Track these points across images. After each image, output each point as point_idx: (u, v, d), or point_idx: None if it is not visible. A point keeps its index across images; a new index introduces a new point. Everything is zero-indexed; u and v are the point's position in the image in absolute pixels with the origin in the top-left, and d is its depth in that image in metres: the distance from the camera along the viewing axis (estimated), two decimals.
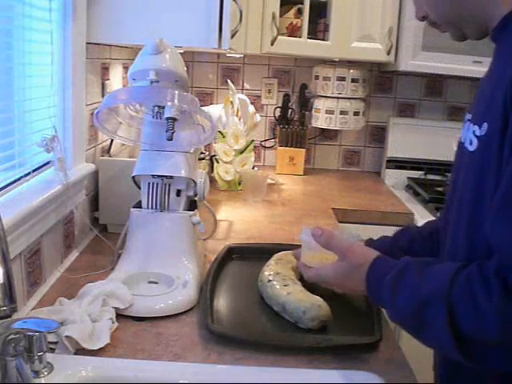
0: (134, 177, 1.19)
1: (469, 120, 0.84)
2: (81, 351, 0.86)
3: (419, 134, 2.39)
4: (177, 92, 1.05)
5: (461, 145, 0.86)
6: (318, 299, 1.00)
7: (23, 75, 1.11)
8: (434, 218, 1.28)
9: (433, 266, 0.76)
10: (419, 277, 0.75)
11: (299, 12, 2.20)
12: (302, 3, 2.09)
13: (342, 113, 2.31)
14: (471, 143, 0.79)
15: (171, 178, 1.17)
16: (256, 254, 1.28)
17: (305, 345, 0.93)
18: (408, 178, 2.36)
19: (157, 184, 1.18)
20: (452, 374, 0.85)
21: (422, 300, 0.72)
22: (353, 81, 2.28)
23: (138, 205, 1.19)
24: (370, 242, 1.10)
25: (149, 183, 1.18)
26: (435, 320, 0.71)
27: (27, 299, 1.04)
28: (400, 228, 1.13)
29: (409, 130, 2.41)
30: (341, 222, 1.83)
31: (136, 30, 1.35)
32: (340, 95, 2.30)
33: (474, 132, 0.78)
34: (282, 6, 2.03)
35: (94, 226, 1.40)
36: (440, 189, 2.16)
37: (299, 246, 1.31)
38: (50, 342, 0.83)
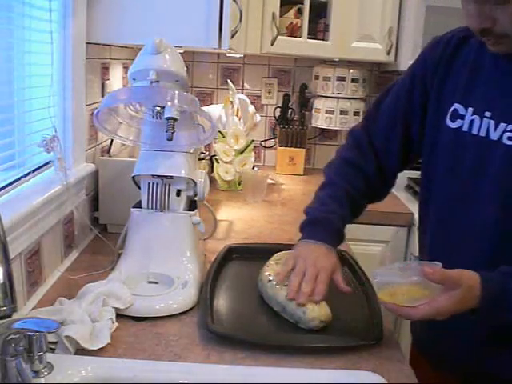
0: (133, 177, 1.19)
1: (490, 118, 0.89)
2: (81, 351, 0.86)
3: None
4: (177, 92, 1.05)
5: (480, 139, 0.91)
6: None
7: (23, 75, 1.12)
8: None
9: None
10: None
11: (299, 12, 2.20)
12: (302, 3, 2.09)
13: (341, 113, 2.31)
14: (510, 139, 0.86)
15: (171, 178, 1.17)
16: (256, 253, 1.27)
17: (305, 345, 0.93)
18: (408, 178, 2.35)
19: (157, 184, 1.18)
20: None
21: None
22: (353, 81, 2.28)
23: (138, 205, 1.19)
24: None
25: (149, 183, 1.18)
26: None
27: (27, 299, 1.04)
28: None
29: None
30: None
31: (136, 30, 1.35)
32: (340, 95, 2.30)
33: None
34: (282, 5, 2.03)
35: (94, 226, 1.39)
36: None
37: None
38: (50, 342, 0.83)
